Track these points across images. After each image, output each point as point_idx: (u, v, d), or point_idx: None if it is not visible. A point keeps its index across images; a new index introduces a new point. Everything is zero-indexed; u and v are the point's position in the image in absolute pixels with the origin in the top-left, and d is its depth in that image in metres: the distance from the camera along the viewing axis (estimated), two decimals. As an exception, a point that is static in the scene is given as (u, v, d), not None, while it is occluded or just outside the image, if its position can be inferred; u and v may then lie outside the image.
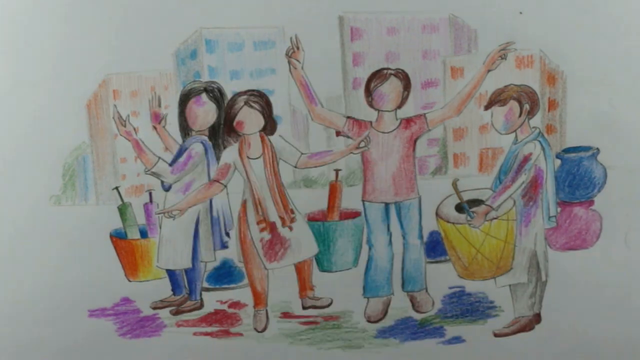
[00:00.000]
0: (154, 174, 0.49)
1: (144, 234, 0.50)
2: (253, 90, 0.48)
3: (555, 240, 0.51)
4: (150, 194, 0.50)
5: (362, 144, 0.50)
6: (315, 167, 0.50)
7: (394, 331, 0.52)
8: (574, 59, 0.47)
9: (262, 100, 0.48)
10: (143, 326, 0.52)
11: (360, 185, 0.51)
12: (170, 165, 0.49)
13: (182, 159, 0.49)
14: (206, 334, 0.52)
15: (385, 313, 0.52)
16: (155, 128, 0.49)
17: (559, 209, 0.50)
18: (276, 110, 0.48)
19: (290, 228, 0.51)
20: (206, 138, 0.49)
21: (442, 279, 0.51)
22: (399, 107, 0.49)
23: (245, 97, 0.48)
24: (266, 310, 0.52)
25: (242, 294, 0.51)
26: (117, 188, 0.49)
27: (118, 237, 0.50)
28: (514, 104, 0.48)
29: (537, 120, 0.49)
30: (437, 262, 0.51)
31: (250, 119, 0.48)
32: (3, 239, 0.49)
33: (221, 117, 0.49)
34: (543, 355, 0.53)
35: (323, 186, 0.51)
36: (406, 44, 0.47)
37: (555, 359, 0.53)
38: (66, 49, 0.47)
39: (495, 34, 0.47)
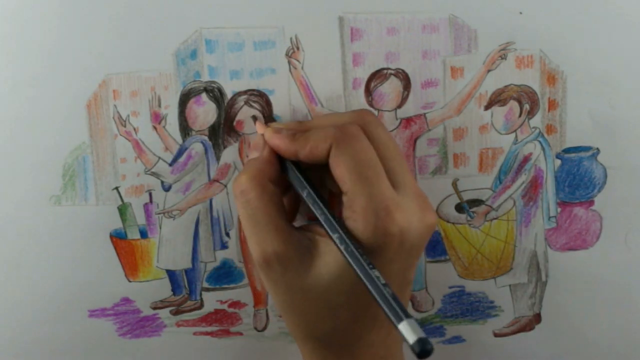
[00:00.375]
0: (154, 174, 0.49)
1: (144, 234, 0.50)
2: (253, 90, 0.48)
3: (555, 240, 0.51)
4: (150, 194, 0.50)
5: None
6: (315, 167, 0.50)
7: (393, 331, 0.52)
8: (574, 59, 0.47)
9: (262, 100, 0.48)
10: (143, 326, 0.52)
11: (360, 185, 0.51)
12: (170, 165, 0.49)
13: (182, 159, 0.49)
14: (206, 333, 0.52)
15: (385, 313, 0.52)
16: (155, 128, 0.49)
17: (559, 209, 0.50)
18: (276, 110, 0.48)
19: (290, 228, 0.51)
20: (206, 138, 0.49)
21: (442, 278, 0.51)
22: (399, 106, 0.48)
23: (245, 97, 0.48)
24: (266, 310, 0.52)
25: (242, 294, 0.51)
26: (117, 188, 0.49)
27: (118, 237, 0.50)
28: (514, 104, 0.48)
29: (537, 120, 0.49)
30: (437, 261, 0.51)
31: (250, 119, 0.48)
32: (3, 239, 0.49)
33: (221, 117, 0.49)
34: (543, 355, 0.53)
35: (323, 186, 0.51)
36: (406, 44, 0.47)
37: (555, 359, 0.53)
38: (66, 49, 0.46)
39: (495, 34, 0.47)
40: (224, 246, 0.51)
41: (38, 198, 0.49)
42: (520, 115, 0.48)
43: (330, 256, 0.39)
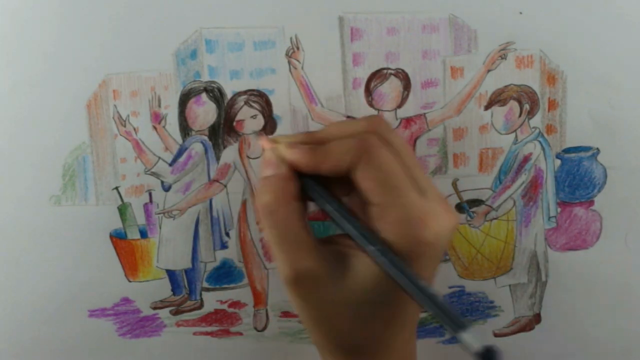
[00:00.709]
0: (154, 174, 0.49)
1: (144, 234, 0.50)
2: (253, 90, 0.48)
3: (555, 241, 0.51)
4: (150, 194, 0.50)
5: None
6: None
7: (393, 331, 0.52)
8: (574, 59, 0.47)
9: (262, 100, 0.48)
10: (143, 326, 0.52)
11: (361, 185, 0.51)
12: (170, 165, 0.49)
13: (182, 159, 0.49)
14: (206, 333, 0.52)
15: (385, 313, 0.52)
16: (155, 128, 0.49)
17: (559, 209, 0.50)
18: (276, 110, 0.48)
19: (291, 228, 0.51)
20: (206, 138, 0.49)
21: (442, 278, 0.51)
22: (399, 106, 0.48)
23: (245, 97, 0.48)
24: (266, 310, 0.52)
25: (242, 294, 0.51)
26: (117, 188, 0.49)
27: (118, 237, 0.50)
28: (514, 104, 0.48)
29: (537, 120, 0.49)
30: (437, 262, 0.51)
31: (250, 119, 0.48)
32: (3, 239, 0.49)
33: (221, 117, 0.49)
34: (543, 355, 0.53)
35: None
36: (406, 44, 0.47)
37: (555, 359, 0.53)
38: (66, 49, 0.46)
39: (495, 34, 0.47)
40: (224, 246, 0.51)
41: (38, 198, 0.49)
42: (520, 115, 0.48)
43: (362, 269, 0.39)
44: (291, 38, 0.47)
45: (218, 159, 0.49)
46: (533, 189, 0.50)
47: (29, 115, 0.47)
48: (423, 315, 0.52)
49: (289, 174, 0.41)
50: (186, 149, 0.49)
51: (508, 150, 0.49)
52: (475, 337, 0.33)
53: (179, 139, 0.49)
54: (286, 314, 0.52)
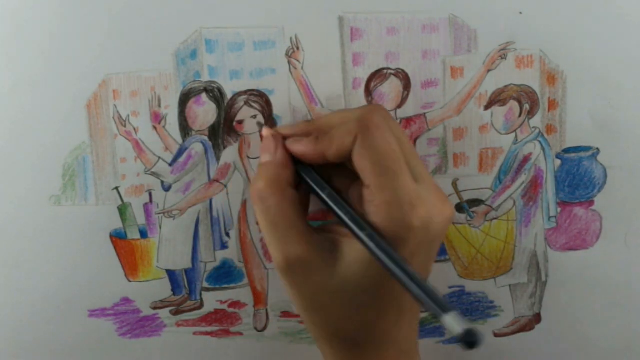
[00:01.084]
0: (154, 174, 0.49)
1: (144, 234, 0.50)
2: (253, 90, 0.48)
3: (555, 240, 0.51)
4: (150, 194, 0.50)
5: None
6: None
7: (393, 331, 0.52)
8: (574, 59, 0.47)
9: (262, 100, 0.48)
10: (143, 326, 0.52)
11: (360, 185, 0.51)
12: (170, 165, 0.49)
13: (182, 159, 0.49)
14: (206, 333, 0.52)
15: (385, 312, 0.52)
16: (155, 128, 0.49)
17: (559, 209, 0.50)
18: (276, 110, 0.48)
19: (291, 228, 0.51)
20: (206, 138, 0.49)
21: (442, 278, 0.51)
22: (399, 106, 0.48)
23: (245, 97, 0.48)
24: (266, 310, 0.52)
25: (242, 294, 0.51)
26: (117, 188, 0.49)
27: (118, 237, 0.50)
28: (514, 104, 0.48)
29: (537, 120, 0.49)
30: (437, 261, 0.51)
31: (250, 119, 0.48)
32: (3, 239, 0.49)
33: (221, 117, 0.49)
34: (543, 355, 0.53)
35: (323, 186, 0.51)
36: (406, 44, 0.47)
37: (555, 359, 0.53)
38: (66, 49, 0.46)
39: (495, 34, 0.47)
40: (224, 246, 0.51)
41: (38, 198, 0.49)
42: (520, 115, 0.48)
43: (353, 255, 0.39)
44: (291, 38, 0.47)
45: (218, 159, 0.49)
46: (533, 189, 0.50)
47: (29, 115, 0.47)
48: (423, 315, 0.52)
49: (284, 161, 0.41)
50: (186, 149, 0.49)
51: (508, 150, 0.49)
52: (457, 320, 0.33)
53: (179, 139, 0.49)
54: (286, 314, 0.52)
